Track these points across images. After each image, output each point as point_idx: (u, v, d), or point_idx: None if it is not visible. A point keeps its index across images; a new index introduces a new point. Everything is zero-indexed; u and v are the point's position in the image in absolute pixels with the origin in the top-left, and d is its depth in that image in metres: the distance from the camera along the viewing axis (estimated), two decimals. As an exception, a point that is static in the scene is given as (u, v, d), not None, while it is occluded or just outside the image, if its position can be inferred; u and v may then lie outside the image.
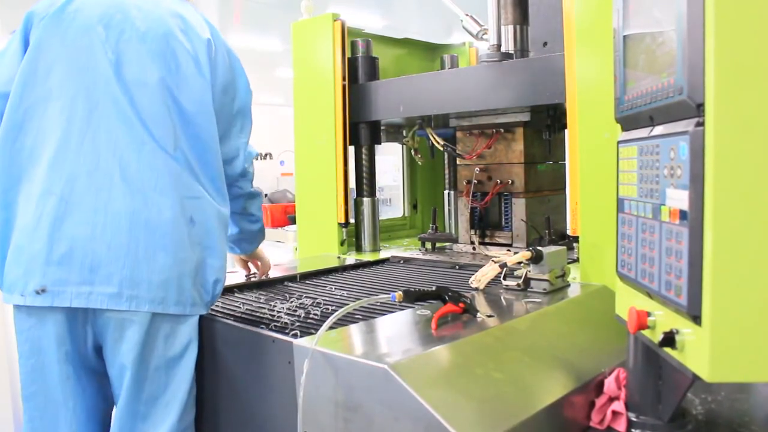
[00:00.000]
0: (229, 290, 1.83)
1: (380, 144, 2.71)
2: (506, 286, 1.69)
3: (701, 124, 0.85)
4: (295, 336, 1.34)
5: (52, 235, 1.41)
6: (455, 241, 2.49)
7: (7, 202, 1.47)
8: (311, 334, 1.30)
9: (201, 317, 1.52)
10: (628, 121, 1.14)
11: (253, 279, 1.99)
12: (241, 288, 1.90)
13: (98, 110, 1.45)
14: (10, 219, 1.47)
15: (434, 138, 2.47)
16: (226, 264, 1.59)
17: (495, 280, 1.72)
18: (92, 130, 1.44)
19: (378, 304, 1.58)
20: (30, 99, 1.46)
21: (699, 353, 0.88)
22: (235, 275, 2.00)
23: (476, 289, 1.69)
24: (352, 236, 2.63)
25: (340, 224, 2.51)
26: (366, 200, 2.64)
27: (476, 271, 1.72)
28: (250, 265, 2.03)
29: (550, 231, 2.24)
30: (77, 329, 1.45)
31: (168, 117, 1.48)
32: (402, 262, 2.37)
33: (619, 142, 1.16)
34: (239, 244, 1.91)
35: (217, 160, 1.57)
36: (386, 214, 3.24)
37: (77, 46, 1.46)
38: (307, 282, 2.02)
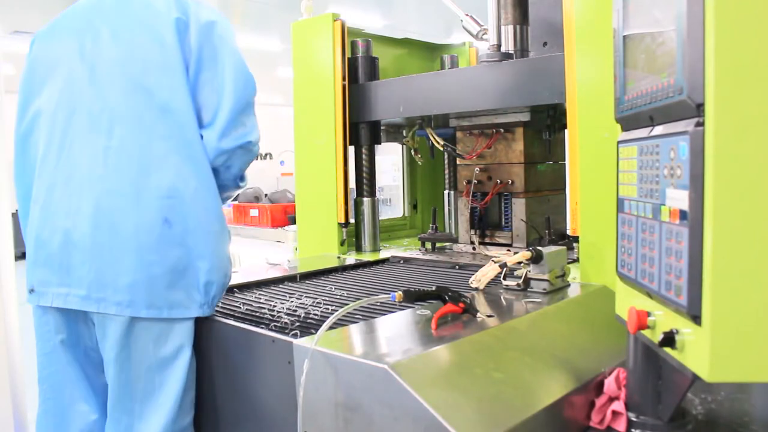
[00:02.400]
0: (229, 290, 1.82)
1: (380, 144, 2.70)
2: (506, 286, 1.69)
3: (701, 124, 0.85)
4: (295, 336, 1.34)
5: (37, 240, 1.52)
6: (455, 241, 2.48)
7: (25, 211, 1.63)
8: (311, 334, 1.30)
9: (199, 318, 1.52)
10: (628, 121, 1.14)
11: None
12: (241, 288, 1.90)
13: (74, 119, 1.51)
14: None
15: (434, 138, 2.47)
16: (225, 264, 1.55)
17: (495, 280, 1.72)
18: (69, 139, 1.51)
19: (378, 304, 1.58)
20: (29, 114, 1.57)
21: (699, 353, 0.88)
22: (236, 275, 2.00)
23: (476, 289, 1.69)
24: (352, 236, 2.63)
25: (340, 224, 2.51)
26: (366, 200, 2.63)
27: (476, 271, 1.72)
28: None
29: (550, 231, 2.24)
30: (76, 324, 1.55)
31: (139, 114, 1.46)
32: (402, 262, 2.37)
33: (619, 142, 1.16)
34: None
35: (201, 146, 1.49)
36: (386, 214, 3.24)
37: (60, 58, 1.54)
38: (307, 282, 2.02)
